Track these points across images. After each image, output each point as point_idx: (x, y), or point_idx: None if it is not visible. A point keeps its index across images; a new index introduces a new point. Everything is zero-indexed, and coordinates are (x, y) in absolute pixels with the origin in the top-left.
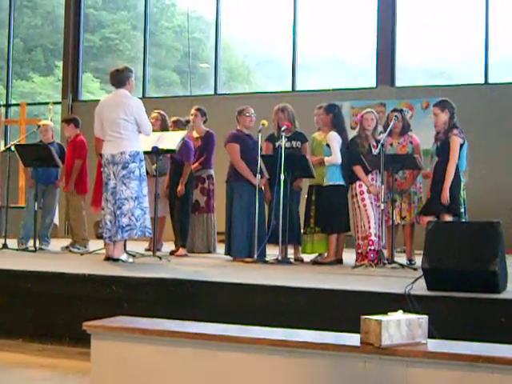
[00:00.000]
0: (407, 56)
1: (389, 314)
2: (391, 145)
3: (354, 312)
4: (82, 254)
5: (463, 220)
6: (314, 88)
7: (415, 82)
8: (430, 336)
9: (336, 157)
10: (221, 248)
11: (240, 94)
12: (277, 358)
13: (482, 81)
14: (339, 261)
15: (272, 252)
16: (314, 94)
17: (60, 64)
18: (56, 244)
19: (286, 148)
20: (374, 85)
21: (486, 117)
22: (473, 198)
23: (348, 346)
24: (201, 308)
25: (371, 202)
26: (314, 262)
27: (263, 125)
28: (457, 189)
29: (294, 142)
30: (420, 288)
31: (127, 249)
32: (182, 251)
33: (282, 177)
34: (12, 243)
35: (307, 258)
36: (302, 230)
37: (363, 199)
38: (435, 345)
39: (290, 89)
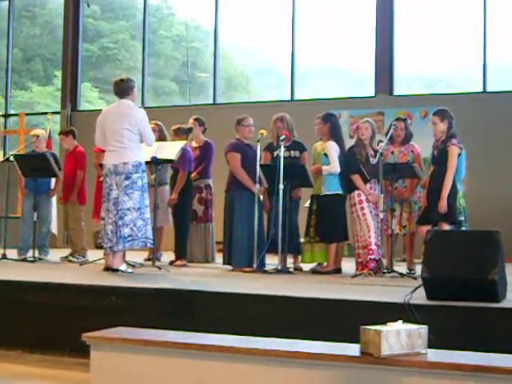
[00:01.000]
0: (405, 65)
1: (388, 323)
2: (392, 153)
3: (354, 322)
4: (81, 264)
5: (464, 228)
6: (313, 97)
7: (414, 91)
8: (430, 345)
9: (334, 165)
10: (219, 258)
11: (239, 103)
12: (276, 368)
13: (481, 89)
14: (338, 270)
15: (271, 261)
16: (313, 103)
17: (59, 74)
18: (55, 254)
19: (284, 157)
20: (372, 94)
21: (484, 125)
22: (472, 206)
23: (347, 356)
24: (200, 318)
25: (370, 211)
26: (314, 272)
27: (262, 134)
28: (453, 198)
29: (292, 152)
30: (419, 297)
31: (126, 259)
32: (180, 262)
33: (281, 186)
34: (11, 253)
35: (306, 267)
36: (301, 239)
37: (362, 208)
38: (435, 355)
39: (289, 98)
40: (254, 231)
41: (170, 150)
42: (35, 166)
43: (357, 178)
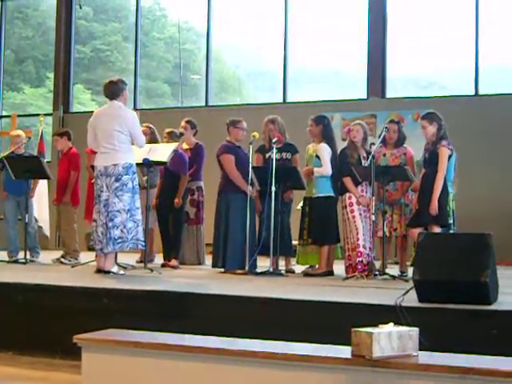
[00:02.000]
0: (398, 68)
1: (380, 326)
2: (384, 155)
3: (345, 324)
4: (73, 266)
5: (451, 231)
6: (305, 99)
7: (406, 94)
8: (421, 348)
9: (326, 168)
10: (209, 260)
11: (231, 105)
12: (268, 370)
13: (473, 92)
14: (330, 272)
15: (263, 264)
16: (305, 105)
17: (51, 75)
18: (47, 256)
19: (276, 160)
20: (364, 96)
21: (475, 127)
22: (463, 208)
23: (339, 358)
24: (193, 320)
25: (360, 214)
26: (306, 274)
27: (254, 137)
28: (444, 200)
29: (284, 154)
30: (411, 300)
31: (118, 261)
32: (174, 262)
33: (273, 188)
34: (1, 255)
35: (298, 269)
36: (293, 242)
37: (352, 211)
38: (426, 357)
39: (282, 100)
40: (247, 233)
41: (162, 152)
42: (27, 167)
43: (348, 181)
